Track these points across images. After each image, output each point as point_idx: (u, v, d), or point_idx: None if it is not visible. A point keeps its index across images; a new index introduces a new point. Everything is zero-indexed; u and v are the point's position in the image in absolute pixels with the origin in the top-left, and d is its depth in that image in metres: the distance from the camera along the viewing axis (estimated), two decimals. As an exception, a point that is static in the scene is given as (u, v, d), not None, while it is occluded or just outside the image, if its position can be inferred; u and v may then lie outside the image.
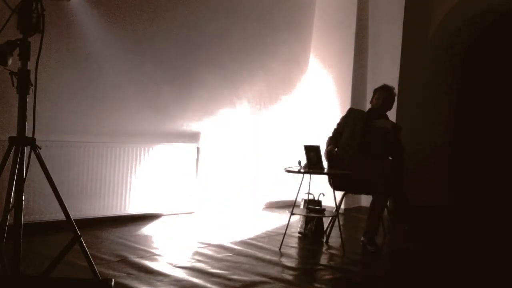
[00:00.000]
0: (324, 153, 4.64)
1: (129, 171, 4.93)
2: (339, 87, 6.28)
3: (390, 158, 4.72)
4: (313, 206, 4.58)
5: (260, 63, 6.09)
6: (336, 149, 4.74)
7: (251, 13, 5.94)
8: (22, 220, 2.48)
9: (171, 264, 3.63)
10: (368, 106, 5.18)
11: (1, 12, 2.46)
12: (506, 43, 6.87)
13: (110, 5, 4.78)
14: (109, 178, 4.79)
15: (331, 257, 4.15)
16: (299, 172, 4.37)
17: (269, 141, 6.29)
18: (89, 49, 4.69)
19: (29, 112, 2.48)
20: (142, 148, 5.01)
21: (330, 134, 4.85)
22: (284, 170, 4.52)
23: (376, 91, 4.83)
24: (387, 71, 6.09)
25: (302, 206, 4.70)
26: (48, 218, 4.27)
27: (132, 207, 4.95)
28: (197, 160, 5.49)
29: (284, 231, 4.37)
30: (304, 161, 4.46)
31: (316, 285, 3.39)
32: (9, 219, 2.44)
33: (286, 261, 3.91)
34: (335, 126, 4.86)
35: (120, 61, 4.89)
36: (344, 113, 4.94)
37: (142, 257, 3.73)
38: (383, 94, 4.74)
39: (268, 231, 4.90)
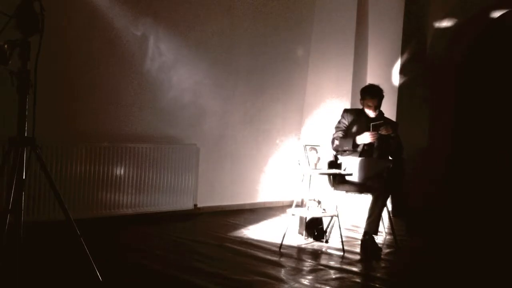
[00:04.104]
0: (339, 144, 4.63)
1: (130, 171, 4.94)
2: (339, 87, 6.28)
3: (390, 158, 4.71)
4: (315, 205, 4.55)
5: (260, 62, 6.09)
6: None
7: (251, 13, 5.94)
8: (22, 220, 2.48)
9: (171, 265, 3.63)
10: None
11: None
12: (506, 43, 6.87)
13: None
14: (110, 178, 4.79)
15: (331, 257, 4.15)
16: (301, 172, 4.36)
17: (269, 141, 6.29)
18: (91, 51, 4.70)
19: (29, 112, 2.48)
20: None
21: (335, 134, 4.76)
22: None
23: (365, 96, 4.69)
24: (387, 71, 6.09)
25: (302, 206, 4.69)
26: (48, 218, 4.27)
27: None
28: (198, 160, 5.49)
29: (284, 231, 4.37)
30: (303, 161, 4.47)
31: (316, 285, 3.39)
32: (9, 219, 2.44)
33: (286, 261, 3.91)
34: (337, 125, 4.79)
35: (121, 65, 4.90)
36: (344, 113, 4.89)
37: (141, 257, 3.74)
38: (376, 101, 4.66)
39: (268, 230, 4.90)
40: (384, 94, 4.75)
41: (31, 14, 2.42)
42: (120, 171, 4.85)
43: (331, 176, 4.62)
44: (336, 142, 4.68)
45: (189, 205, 5.41)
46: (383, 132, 4.51)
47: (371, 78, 6.10)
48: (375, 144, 4.57)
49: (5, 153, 2.51)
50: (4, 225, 2.39)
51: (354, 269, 3.83)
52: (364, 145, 4.57)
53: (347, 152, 4.64)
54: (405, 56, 6.06)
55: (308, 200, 4.61)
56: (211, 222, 5.26)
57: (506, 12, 6.11)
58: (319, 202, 4.61)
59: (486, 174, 6.81)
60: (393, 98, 5.95)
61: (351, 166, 4.61)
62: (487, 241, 5.14)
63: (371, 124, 4.53)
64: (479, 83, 7.00)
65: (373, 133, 4.47)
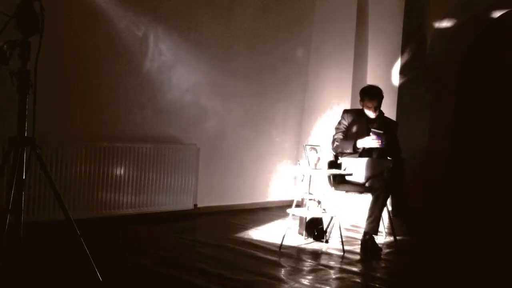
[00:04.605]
0: (339, 146, 4.66)
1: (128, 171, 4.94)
2: (339, 87, 6.28)
3: (389, 158, 4.71)
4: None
5: (260, 62, 6.09)
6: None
7: (251, 13, 5.94)
8: (22, 220, 2.48)
9: (169, 263, 3.63)
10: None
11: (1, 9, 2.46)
12: (506, 43, 6.88)
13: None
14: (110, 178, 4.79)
15: (331, 257, 4.15)
16: (301, 173, 4.36)
17: (269, 141, 6.29)
18: (92, 51, 4.70)
19: (29, 112, 2.48)
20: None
21: (335, 135, 4.77)
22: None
23: (364, 97, 4.70)
24: (387, 71, 6.09)
25: (302, 206, 4.70)
26: (48, 218, 4.26)
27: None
28: (197, 160, 5.49)
29: (284, 231, 4.38)
30: (303, 161, 4.47)
31: (316, 285, 3.39)
32: (9, 219, 2.44)
33: (286, 261, 3.91)
34: (337, 126, 4.81)
35: (122, 65, 4.91)
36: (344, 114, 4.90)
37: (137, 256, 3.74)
38: (375, 102, 4.66)
39: (268, 230, 4.90)
40: (384, 94, 4.76)
41: (31, 14, 2.42)
42: (120, 171, 4.85)
43: (331, 176, 4.63)
44: (336, 144, 4.70)
45: (189, 205, 5.41)
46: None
47: (371, 78, 6.11)
48: None
49: (5, 153, 2.51)
50: (4, 225, 2.39)
51: (354, 269, 3.83)
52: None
53: (347, 153, 4.65)
54: (405, 56, 6.06)
55: (308, 200, 4.61)
56: (211, 222, 5.26)
57: (506, 12, 6.11)
58: (319, 202, 4.61)
59: (486, 174, 6.81)
60: (393, 98, 5.95)
61: (351, 166, 4.62)
62: (487, 241, 5.14)
63: (371, 129, 4.54)
64: (479, 83, 7.00)
65: (376, 138, 4.47)
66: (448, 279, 3.80)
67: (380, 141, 4.47)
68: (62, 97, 4.52)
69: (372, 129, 4.54)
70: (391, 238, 4.74)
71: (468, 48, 6.50)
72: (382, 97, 4.70)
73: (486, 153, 6.94)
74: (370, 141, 4.50)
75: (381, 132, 4.51)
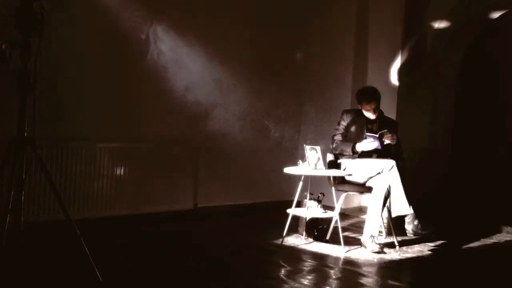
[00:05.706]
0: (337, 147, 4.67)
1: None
2: (339, 87, 6.28)
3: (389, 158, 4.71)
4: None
5: (260, 62, 6.08)
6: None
7: (250, 13, 5.94)
8: (22, 220, 2.48)
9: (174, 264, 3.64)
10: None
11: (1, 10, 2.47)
12: (505, 43, 6.87)
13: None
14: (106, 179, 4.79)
15: (331, 257, 4.15)
16: (298, 172, 4.36)
17: (269, 141, 6.29)
18: (92, 51, 4.71)
19: (29, 112, 2.48)
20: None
21: (335, 136, 4.79)
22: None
23: (362, 101, 4.70)
24: (387, 71, 6.09)
25: (302, 206, 4.70)
26: (48, 218, 4.26)
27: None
28: (198, 160, 5.49)
29: (284, 231, 4.38)
30: (303, 161, 4.47)
31: (316, 285, 3.39)
32: (9, 219, 2.44)
33: (286, 261, 3.91)
34: (336, 126, 4.82)
35: (121, 65, 4.91)
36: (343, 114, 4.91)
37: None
38: (373, 104, 4.66)
39: (268, 230, 4.90)
40: (384, 94, 4.76)
41: (30, 14, 2.42)
42: (120, 171, 4.85)
43: (331, 176, 4.63)
44: (336, 144, 4.71)
45: (189, 205, 5.41)
46: (388, 140, 4.52)
47: (371, 78, 6.11)
48: None
49: (5, 153, 2.51)
50: (4, 225, 2.39)
51: (354, 269, 3.83)
52: None
53: (346, 154, 4.67)
54: (405, 56, 6.06)
55: (308, 200, 4.61)
56: (211, 222, 5.26)
57: (505, 12, 6.11)
58: (319, 202, 4.61)
59: (486, 174, 6.81)
60: (393, 98, 5.94)
61: (351, 166, 4.62)
62: (488, 241, 5.14)
63: (366, 134, 4.55)
64: (479, 83, 6.99)
65: (373, 141, 4.48)
66: (448, 279, 3.80)
67: (377, 142, 4.48)
68: (62, 97, 4.52)
69: (367, 134, 4.56)
70: (391, 238, 4.74)
71: (468, 48, 6.50)
72: (380, 97, 4.71)
73: (486, 153, 6.94)
74: (368, 144, 4.51)
75: (376, 135, 4.52)
